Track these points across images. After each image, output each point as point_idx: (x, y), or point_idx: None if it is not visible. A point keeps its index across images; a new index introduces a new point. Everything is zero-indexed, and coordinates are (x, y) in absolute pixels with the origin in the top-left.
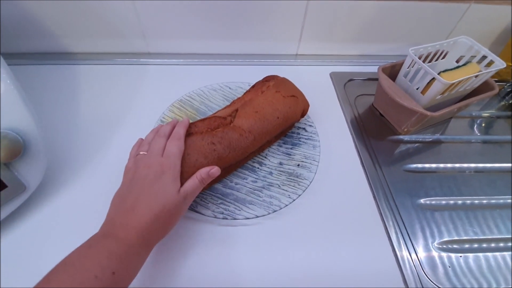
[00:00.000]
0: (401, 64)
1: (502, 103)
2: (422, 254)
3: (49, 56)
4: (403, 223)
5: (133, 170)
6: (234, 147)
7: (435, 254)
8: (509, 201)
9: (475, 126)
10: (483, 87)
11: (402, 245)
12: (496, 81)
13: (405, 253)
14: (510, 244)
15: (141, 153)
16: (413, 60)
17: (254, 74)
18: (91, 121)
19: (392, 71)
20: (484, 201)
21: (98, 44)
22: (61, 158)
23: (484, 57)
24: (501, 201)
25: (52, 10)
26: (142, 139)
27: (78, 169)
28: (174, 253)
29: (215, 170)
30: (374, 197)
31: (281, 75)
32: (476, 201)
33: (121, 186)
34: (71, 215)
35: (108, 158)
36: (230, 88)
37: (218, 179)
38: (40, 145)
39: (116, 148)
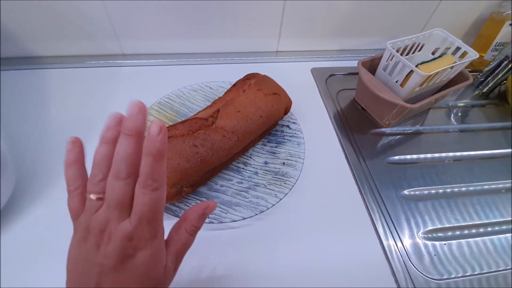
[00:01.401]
0: (380, 58)
1: (476, 92)
2: (408, 244)
3: (14, 61)
4: (389, 215)
5: (82, 234)
6: (217, 149)
7: (420, 243)
8: (486, 187)
9: (452, 116)
10: (458, 78)
11: (389, 237)
12: (470, 71)
13: (392, 244)
14: (489, 229)
15: (91, 196)
16: (391, 53)
17: (235, 72)
18: (63, 129)
19: (372, 65)
20: (463, 189)
21: (68, 46)
22: (31, 170)
23: (458, 48)
24: (479, 187)
25: (16, 12)
26: (79, 148)
27: (50, 181)
28: None
29: (210, 209)
30: (360, 190)
31: (262, 73)
32: (456, 189)
33: (72, 253)
34: (45, 231)
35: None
36: (211, 88)
37: (203, 182)
38: (6, 159)
39: (91, 157)
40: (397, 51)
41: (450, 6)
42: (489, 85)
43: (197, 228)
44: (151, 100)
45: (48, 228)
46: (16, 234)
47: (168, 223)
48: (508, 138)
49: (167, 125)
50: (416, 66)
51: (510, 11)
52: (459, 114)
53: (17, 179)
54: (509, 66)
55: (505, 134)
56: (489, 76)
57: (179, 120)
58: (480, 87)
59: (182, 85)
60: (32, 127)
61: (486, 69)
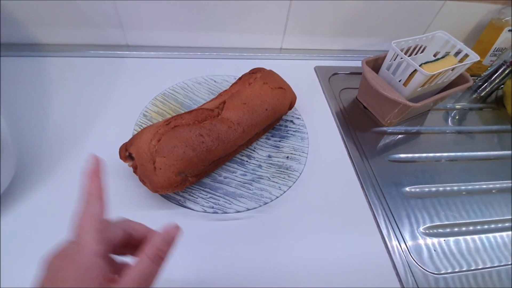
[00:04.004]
0: (384, 57)
1: (474, 96)
2: (409, 240)
3: (16, 47)
4: (390, 211)
5: None
6: (223, 140)
7: (421, 239)
8: (484, 186)
9: (450, 118)
10: (459, 80)
11: (391, 233)
12: None
13: (393, 240)
14: (486, 226)
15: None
16: (395, 52)
17: (239, 67)
18: (65, 117)
19: (375, 64)
20: (462, 187)
21: (71, 34)
22: (32, 158)
23: (459, 52)
24: (477, 187)
25: None
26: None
27: (50, 169)
28: None
29: (173, 232)
30: (362, 187)
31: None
32: (455, 188)
33: None
34: (44, 218)
35: (85, 155)
36: (215, 81)
37: (207, 173)
38: (9, 145)
39: (93, 144)
40: (401, 51)
41: (451, 11)
42: (487, 90)
43: (162, 252)
44: (155, 91)
45: (49, 213)
46: (16, 219)
47: (172, 213)
48: (504, 140)
49: (171, 116)
50: (419, 66)
51: (509, 18)
52: (457, 116)
53: (18, 165)
54: (507, 71)
55: (500, 137)
56: (487, 81)
57: (183, 112)
58: (478, 91)
59: (186, 77)
60: (33, 114)
61: (485, 73)
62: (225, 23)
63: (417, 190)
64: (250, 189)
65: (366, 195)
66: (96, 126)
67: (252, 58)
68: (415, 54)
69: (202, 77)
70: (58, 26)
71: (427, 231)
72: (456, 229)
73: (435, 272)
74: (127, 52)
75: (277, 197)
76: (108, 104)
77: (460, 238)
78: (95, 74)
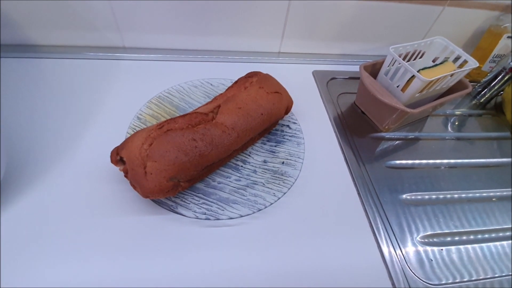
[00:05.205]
0: (382, 63)
1: (473, 102)
2: (406, 248)
3: (12, 49)
4: (387, 218)
5: None
6: (216, 144)
7: (418, 248)
8: (485, 194)
9: (449, 124)
10: (458, 86)
11: (387, 241)
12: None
13: (390, 248)
14: (486, 235)
15: None
16: (393, 58)
17: (236, 71)
18: (59, 119)
19: (373, 70)
20: (462, 195)
21: (68, 36)
22: (25, 159)
23: (458, 58)
24: (477, 194)
25: None
26: None
27: (42, 172)
28: (153, 259)
29: None
30: (359, 193)
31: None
32: (455, 195)
33: None
34: (35, 220)
35: (77, 158)
36: (211, 84)
37: (200, 178)
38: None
39: (87, 147)
40: (399, 57)
41: (450, 17)
42: (486, 96)
43: None
44: (150, 94)
45: (40, 215)
46: (7, 222)
47: (164, 218)
48: (503, 147)
49: (165, 119)
50: (417, 72)
51: (508, 24)
52: (456, 122)
53: (9, 166)
54: (506, 77)
55: (500, 143)
56: (486, 87)
57: (178, 115)
58: (478, 97)
59: (182, 80)
60: (27, 115)
61: (484, 80)
62: (223, 26)
63: (415, 197)
64: (244, 195)
65: (362, 202)
66: (90, 129)
67: (250, 61)
68: (414, 59)
69: (199, 80)
70: (55, 28)
71: (425, 240)
72: (456, 238)
73: (433, 283)
74: (124, 54)
75: (272, 204)
76: (103, 106)
77: (460, 247)
78: (91, 76)
